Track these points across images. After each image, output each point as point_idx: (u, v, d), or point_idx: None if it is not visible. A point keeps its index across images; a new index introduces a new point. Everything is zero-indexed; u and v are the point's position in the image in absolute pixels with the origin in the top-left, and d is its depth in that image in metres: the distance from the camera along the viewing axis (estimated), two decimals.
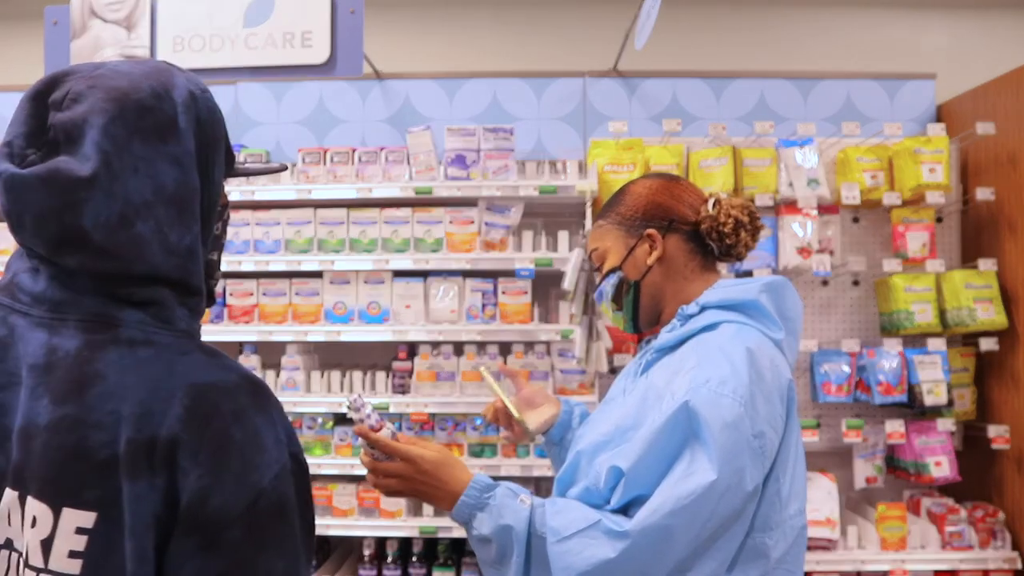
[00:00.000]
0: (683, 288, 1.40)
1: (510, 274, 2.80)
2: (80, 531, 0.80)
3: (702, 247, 1.41)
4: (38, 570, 0.81)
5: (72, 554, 0.80)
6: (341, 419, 2.91)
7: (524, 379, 1.69)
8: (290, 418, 2.93)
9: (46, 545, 0.80)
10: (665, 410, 1.21)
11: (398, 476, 1.27)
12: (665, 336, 1.37)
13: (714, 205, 1.40)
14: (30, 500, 0.81)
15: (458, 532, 2.75)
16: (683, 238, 1.41)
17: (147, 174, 0.87)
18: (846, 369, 2.87)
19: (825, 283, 3.07)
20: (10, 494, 0.83)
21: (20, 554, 0.83)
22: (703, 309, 1.34)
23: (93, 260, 0.85)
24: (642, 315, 1.44)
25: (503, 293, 2.83)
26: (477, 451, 2.82)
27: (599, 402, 1.69)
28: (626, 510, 1.21)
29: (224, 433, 0.82)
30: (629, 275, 1.42)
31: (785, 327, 1.33)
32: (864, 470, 2.91)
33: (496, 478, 1.31)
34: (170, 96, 0.90)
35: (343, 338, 2.82)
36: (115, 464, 0.80)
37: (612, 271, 1.44)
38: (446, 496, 1.26)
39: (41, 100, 0.88)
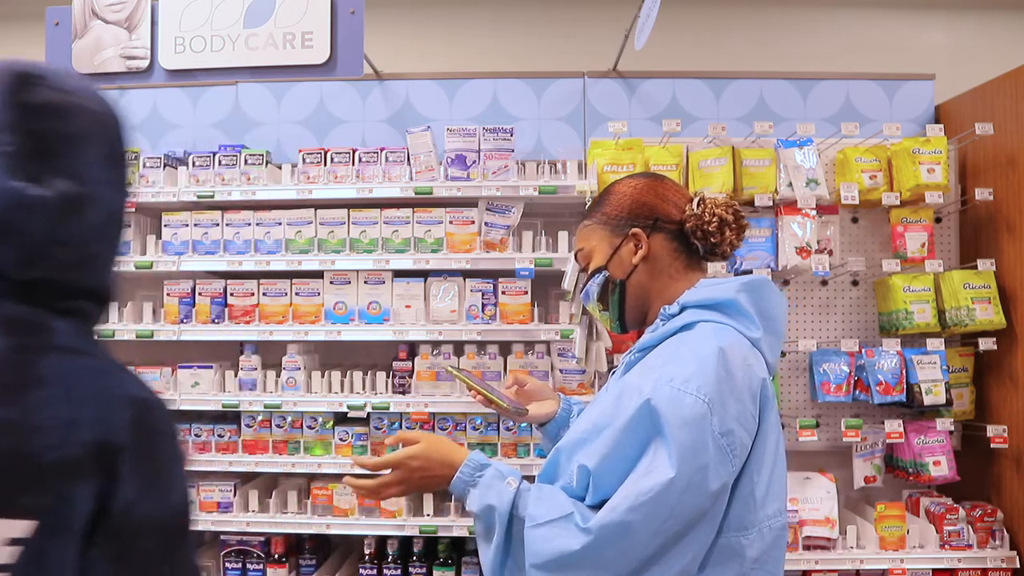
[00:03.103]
0: (668, 287, 1.41)
1: (510, 274, 2.81)
2: (13, 542, 0.76)
3: (687, 246, 1.42)
4: None
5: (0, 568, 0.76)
6: (341, 419, 2.92)
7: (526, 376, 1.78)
8: (290, 418, 2.95)
9: None
10: (630, 408, 1.22)
11: (396, 483, 1.37)
12: (647, 336, 1.38)
13: (699, 204, 1.41)
14: None
15: (458, 531, 2.76)
16: (668, 237, 1.41)
17: (103, 196, 0.91)
18: (845, 369, 2.87)
19: (824, 283, 3.08)
20: None
21: None
22: (683, 309, 1.35)
23: (53, 273, 0.87)
24: (628, 314, 1.45)
25: (503, 293, 2.83)
26: None
27: None
28: (598, 507, 1.23)
29: (166, 449, 0.86)
30: (614, 274, 1.43)
31: (765, 326, 1.33)
32: (863, 469, 2.92)
33: None
34: (116, 120, 0.95)
35: (343, 338, 2.83)
36: (60, 469, 0.77)
37: (598, 270, 1.45)
38: (444, 479, 1.35)
39: (11, 100, 0.86)
